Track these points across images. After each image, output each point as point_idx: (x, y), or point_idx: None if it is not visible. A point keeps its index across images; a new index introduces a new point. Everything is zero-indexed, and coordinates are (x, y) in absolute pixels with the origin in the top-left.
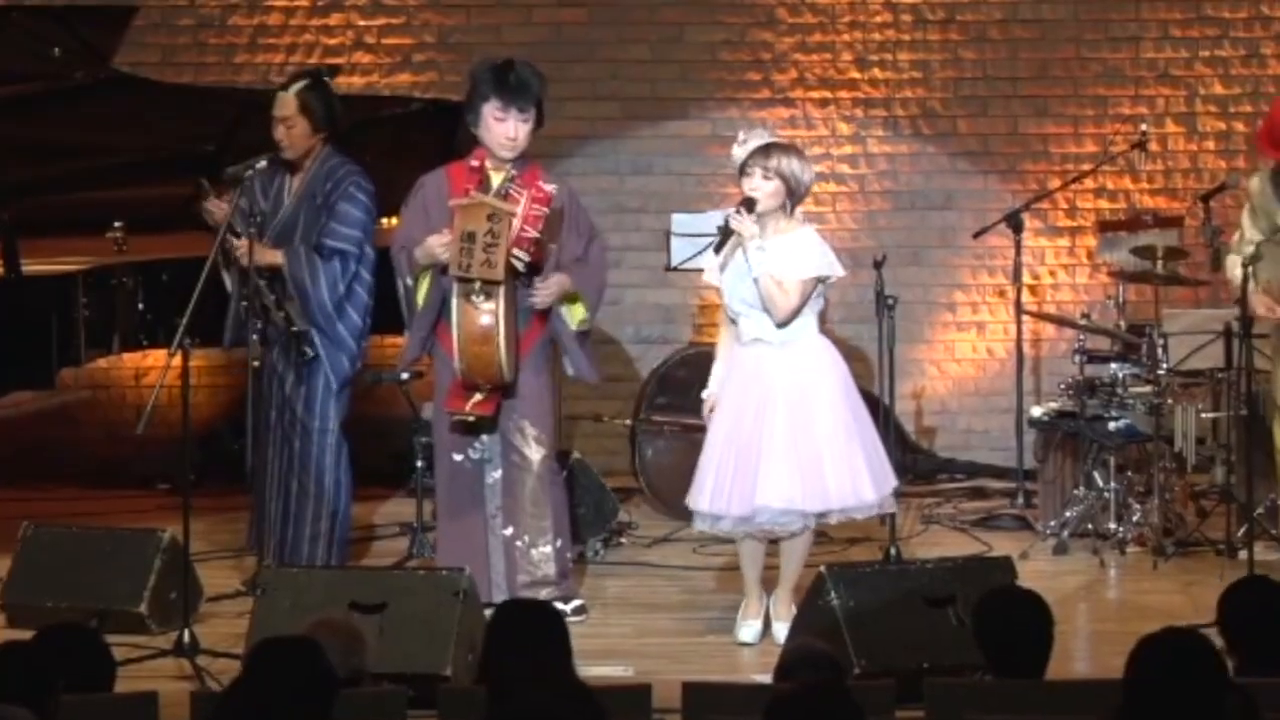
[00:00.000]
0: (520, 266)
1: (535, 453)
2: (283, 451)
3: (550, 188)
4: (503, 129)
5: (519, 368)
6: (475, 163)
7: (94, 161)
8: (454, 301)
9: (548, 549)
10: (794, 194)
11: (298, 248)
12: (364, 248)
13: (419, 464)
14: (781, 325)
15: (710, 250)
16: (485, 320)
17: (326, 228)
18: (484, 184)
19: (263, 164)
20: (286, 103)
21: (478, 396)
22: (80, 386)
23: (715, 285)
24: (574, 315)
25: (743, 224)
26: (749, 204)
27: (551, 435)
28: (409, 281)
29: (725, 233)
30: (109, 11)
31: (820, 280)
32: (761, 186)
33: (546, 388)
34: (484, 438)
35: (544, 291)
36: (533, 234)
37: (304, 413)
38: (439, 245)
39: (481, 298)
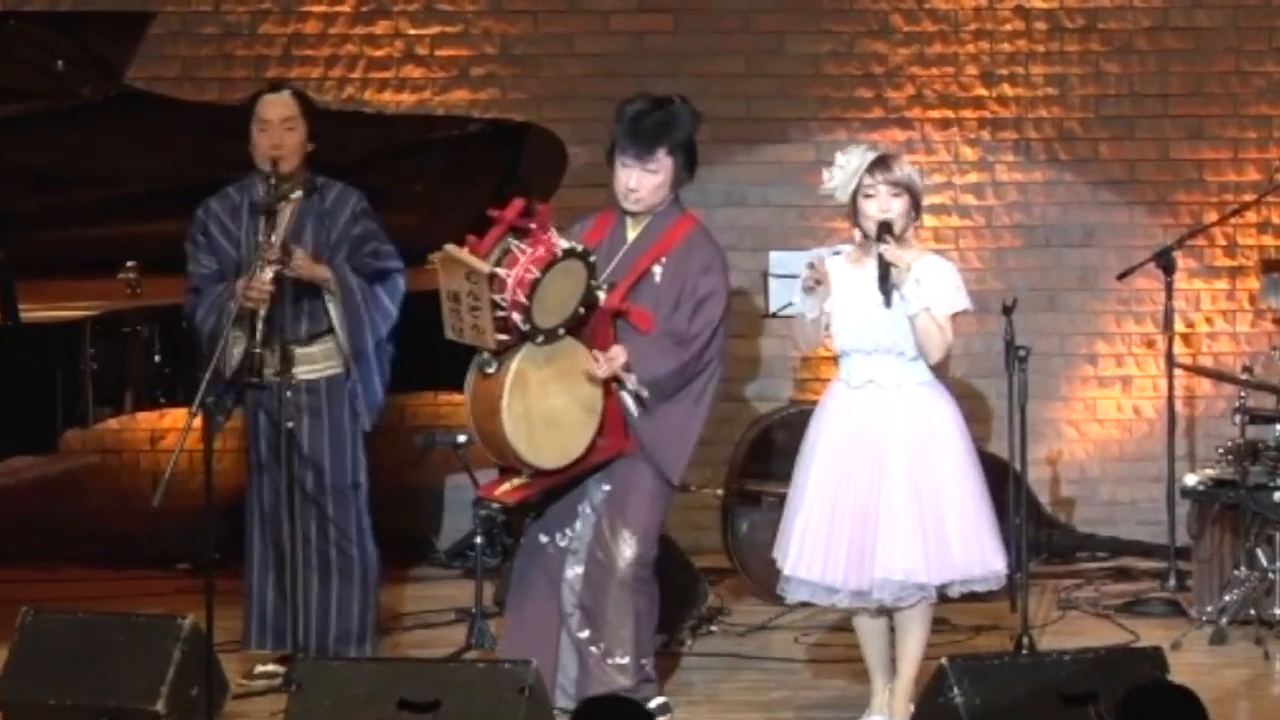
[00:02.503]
0: (529, 334)
1: (623, 556)
2: (308, 521)
3: (561, 245)
4: (624, 177)
5: (630, 453)
6: (493, 212)
7: (103, 191)
8: (471, 368)
9: (626, 660)
10: (918, 209)
11: (340, 263)
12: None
13: (478, 540)
14: (934, 365)
15: (807, 285)
16: (491, 392)
17: (371, 248)
18: (615, 238)
19: (298, 193)
20: (286, 103)
21: (515, 481)
22: (88, 451)
23: (813, 316)
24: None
25: (900, 254)
26: (887, 229)
27: (650, 536)
28: None
29: (884, 264)
30: (121, 19)
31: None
32: (893, 206)
33: (656, 484)
34: (576, 524)
35: (601, 364)
36: (522, 299)
37: (333, 470)
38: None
39: (492, 366)
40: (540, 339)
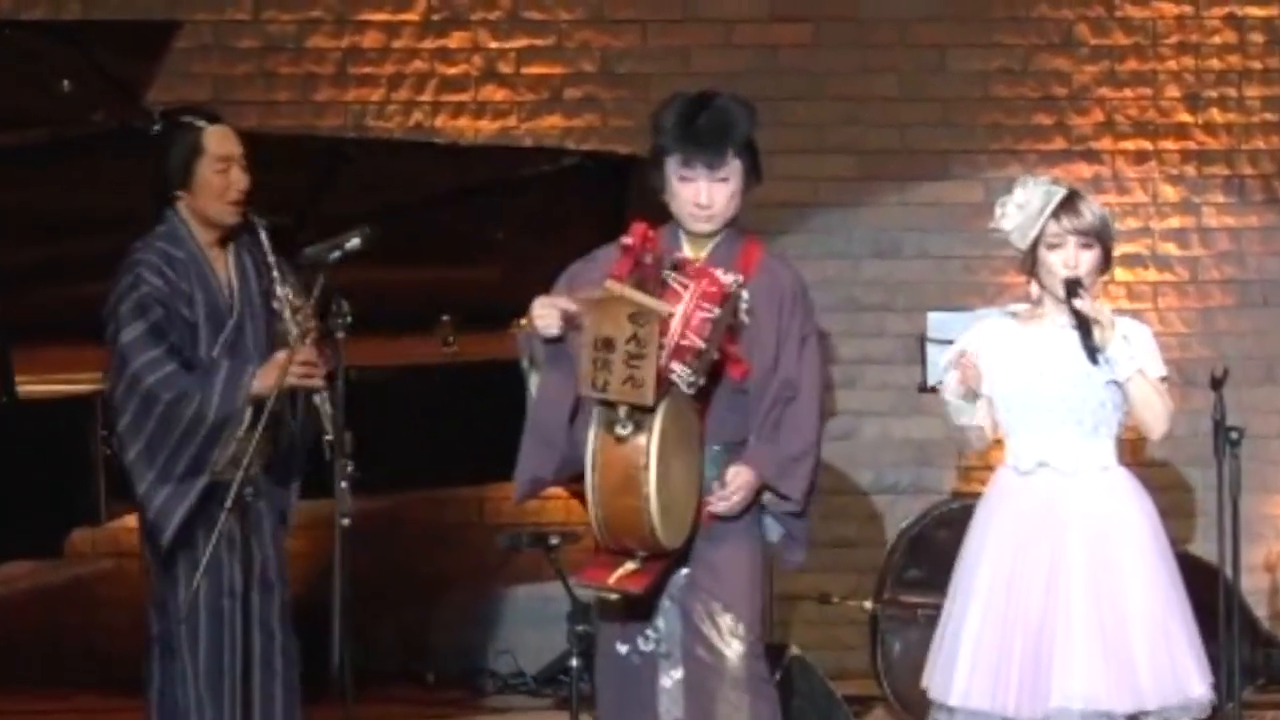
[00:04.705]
0: (685, 385)
1: (732, 648)
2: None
3: (729, 279)
4: (690, 192)
5: (697, 527)
6: (628, 240)
7: (117, 238)
8: (592, 430)
9: None
10: (1109, 260)
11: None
12: None
13: (573, 663)
14: (1161, 436)
15: (977, 333)
16: (631, 460)
17: None
18: (653, 267)
19: (355, 242)
20: (237, 139)
21: (629, 566)
22: (99, 554)
23: (979, 421)
24: (774, 501)
25: (1100, 307)
26: (1077, 286)
27: (756, 622)
28: (525, 364)
29: (1083, 321)
30: (141, 29)
31: None
32: (1083, 260)
33: (750, 558)
34: (660, 622)
35: (723, 504)
36: (698, 344)
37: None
38: (541, 309)
39: (629, 428)
40: (695, 391)
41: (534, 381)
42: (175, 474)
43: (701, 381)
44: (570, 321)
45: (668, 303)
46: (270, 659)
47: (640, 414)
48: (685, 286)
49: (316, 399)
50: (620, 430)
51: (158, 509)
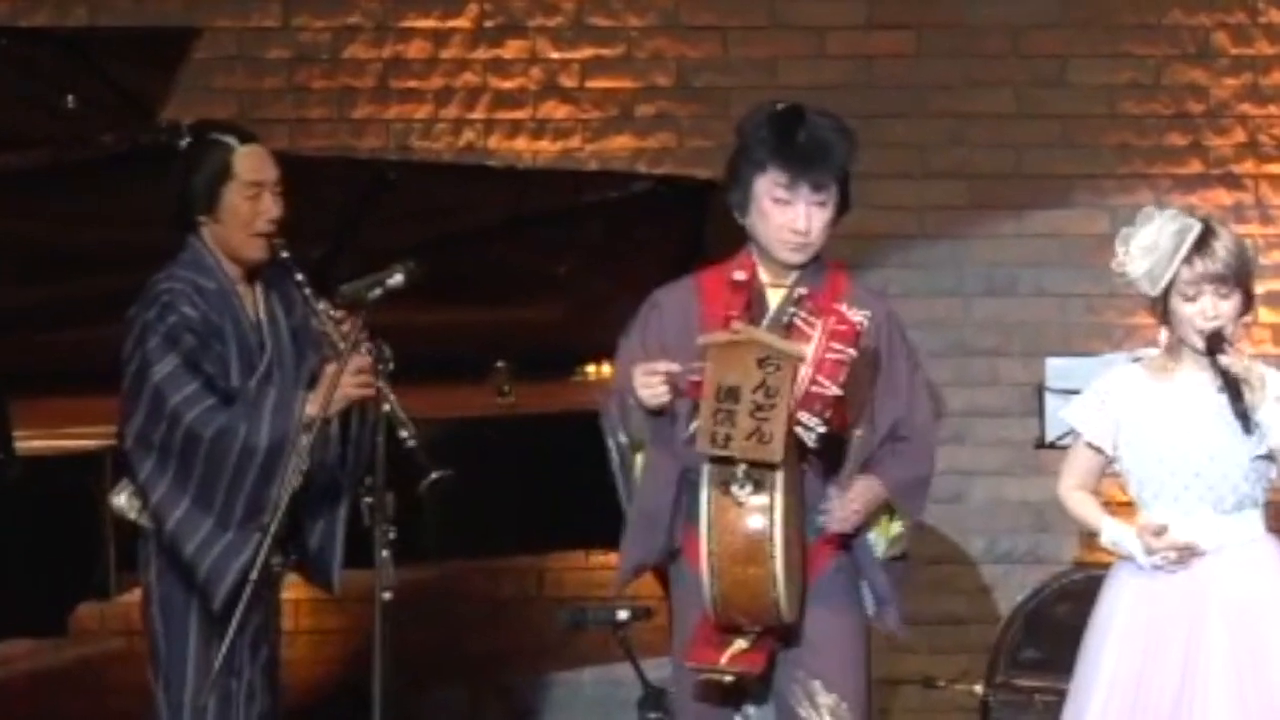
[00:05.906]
0: (811, 440)
1: None
2: None
3: (858, 317)
4: (786, 216)
5: (805, 598)
6: (741, 275)
7: (128, 275)
8: (704, 493)
9: None
10: (1250, 299)
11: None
12: None
13: None
14: None
15: (1109, 384)
16: (754, 524)
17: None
18: (755, 307)
19: (398, 278)
20: (272, 161)
21: (740, 644)
22: (108, 633)
23: (1096, 443)
24: (883, 534)
25: (1250, 364)
26: (1221, 341)
27: (861, 703)
28: (622, 439)
29: (1231, 381)
30: (156, 37)
31: None
32: (1222, 310)
33: (851, 631)
34: (750, 707)
35: (838, 513)
36: (831, 390)
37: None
38: (645, 377)
39: (748, 488)
40: (820, 444)
41: (637, 462)
42: (235, 519)
43: (825, 429)
44: (676, 387)
45: (796, 344)
46: None
47: (760, 471)
48: (811, 325)
49: (386, 406)
50: (737, 490)
51: (212, 563)
